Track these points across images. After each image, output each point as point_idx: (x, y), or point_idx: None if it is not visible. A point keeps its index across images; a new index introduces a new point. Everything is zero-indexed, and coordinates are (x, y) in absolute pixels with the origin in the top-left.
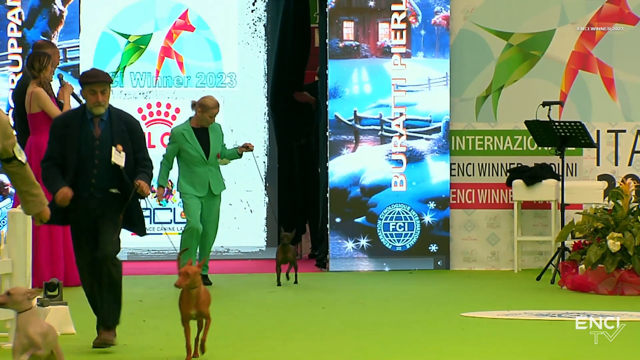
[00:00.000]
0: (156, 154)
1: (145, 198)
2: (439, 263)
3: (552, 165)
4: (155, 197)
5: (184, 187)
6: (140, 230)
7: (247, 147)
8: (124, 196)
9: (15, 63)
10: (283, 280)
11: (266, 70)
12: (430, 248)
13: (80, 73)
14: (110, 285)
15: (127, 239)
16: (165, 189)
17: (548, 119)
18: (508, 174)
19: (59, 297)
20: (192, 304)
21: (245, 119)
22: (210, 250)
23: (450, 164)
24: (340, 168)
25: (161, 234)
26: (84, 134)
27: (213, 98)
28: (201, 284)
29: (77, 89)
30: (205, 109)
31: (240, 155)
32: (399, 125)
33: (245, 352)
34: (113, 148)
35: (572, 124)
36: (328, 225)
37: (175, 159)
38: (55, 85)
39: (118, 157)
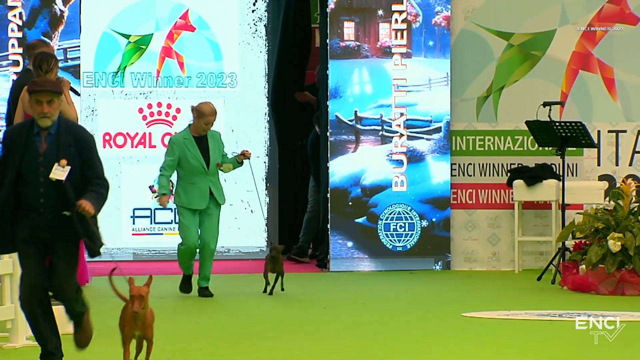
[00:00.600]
0: (156, 155)
1: (88, 219)
2: (439, 263)
3: (553, 166)
4: (159, 203)
5: (182, 200)
6: (90, 253)
7: (244, 155)
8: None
9: (15, 63)
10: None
11: (267, 70)
12: (430, 248)
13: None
14: (77, 319)
15: (129, 239)
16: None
17: (549, 119)
18: (509, 174)
19: None
20: (138, 324)
21: (246, 119)
22: (212, 262)
23: (451, 164)
24: (340, 168)
25: (161, 234)
26: (28, 149)
27: (211, 105)
28: (148, 305)
29: (74, 84)
30: (201, 115)
31: (241, 164)
32: (399, 125)
33: (245, 352)
34: (56, 164)
35: (573, 124)
36: (329, 225)
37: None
38: None
39: (58, 172)
